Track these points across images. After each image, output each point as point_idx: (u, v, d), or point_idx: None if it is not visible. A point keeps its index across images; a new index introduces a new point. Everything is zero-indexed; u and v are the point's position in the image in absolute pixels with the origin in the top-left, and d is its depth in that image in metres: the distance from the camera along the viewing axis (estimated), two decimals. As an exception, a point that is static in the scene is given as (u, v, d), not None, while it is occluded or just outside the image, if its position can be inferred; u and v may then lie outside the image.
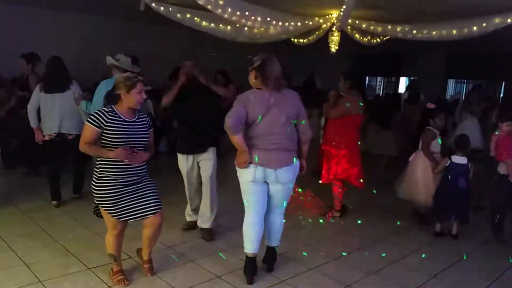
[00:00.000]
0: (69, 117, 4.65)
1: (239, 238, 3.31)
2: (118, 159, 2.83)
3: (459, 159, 4.18)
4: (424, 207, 4.54)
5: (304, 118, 3.19)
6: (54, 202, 4.74)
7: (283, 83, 3.12)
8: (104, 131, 2.86)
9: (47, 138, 4.66)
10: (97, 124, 2.84)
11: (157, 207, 3.02)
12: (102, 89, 4.48)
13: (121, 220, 2.98)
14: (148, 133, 3.06)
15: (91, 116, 2.88)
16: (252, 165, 3.06)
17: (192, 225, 4.15)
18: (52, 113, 4.60)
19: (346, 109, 4.46)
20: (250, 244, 3.15)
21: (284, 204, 3.30)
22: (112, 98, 2.94)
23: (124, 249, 3.57)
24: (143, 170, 3.04)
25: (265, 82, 3.02)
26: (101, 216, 3.06)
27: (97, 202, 3.01)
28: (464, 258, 3.78)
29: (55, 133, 4.64)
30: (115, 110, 2.92)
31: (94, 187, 2.94)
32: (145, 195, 3.00)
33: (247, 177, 3.10)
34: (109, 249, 3.08)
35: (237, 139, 2.99)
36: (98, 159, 2.94)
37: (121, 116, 2.91)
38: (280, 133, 3.06)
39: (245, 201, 3.21)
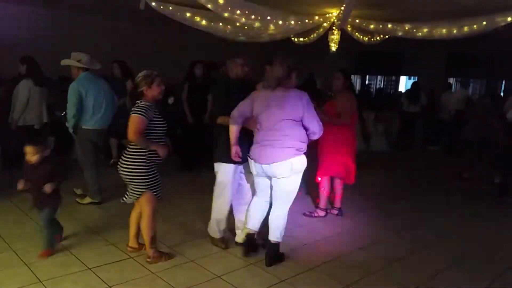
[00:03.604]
0: (46, 108, 5.41)
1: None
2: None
3: None
4: None
5: (312, 120, 3.22)
6: None
7: (288, 84, 3.23)
8: (151, 122, 3.12)
9: (37, 127, 5.22)
10: (147, 116, 3.07)
11: None
12: (75, 89, 4.46)
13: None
14: None
15: (139, 110, 3.07)
16: (252, 160, 3.33)
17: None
18: (39, 104, 5.27)
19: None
20: (250, 220, 3.50)
21: (285, 200, 3.38)
22: (135, 95, 3.19)
23: (123, 248, 3.59)
24: None
25: (269, 81, 3.25)
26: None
27: (146, 187, 3.20)
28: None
29: (44, 122, 5.32)
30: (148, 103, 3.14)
31: (142, 171, 3.15)
32: None
33: (252, 170, 3.41)
34: (150, 232, 3.31)
35: (232, 129, 3.31)
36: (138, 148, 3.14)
37: None
38: (277, 131, 3.19)
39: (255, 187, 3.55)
